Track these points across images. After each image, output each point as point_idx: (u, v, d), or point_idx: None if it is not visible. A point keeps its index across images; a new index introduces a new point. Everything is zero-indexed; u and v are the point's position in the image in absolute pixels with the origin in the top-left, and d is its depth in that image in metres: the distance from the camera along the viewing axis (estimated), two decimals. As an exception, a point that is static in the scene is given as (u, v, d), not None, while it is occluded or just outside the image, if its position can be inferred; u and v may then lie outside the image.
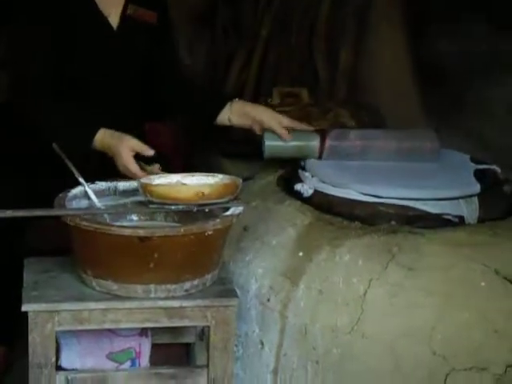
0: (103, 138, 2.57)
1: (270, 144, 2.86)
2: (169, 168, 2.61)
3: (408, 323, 2.30)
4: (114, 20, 2.75)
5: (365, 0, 4.16)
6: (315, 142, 2.85)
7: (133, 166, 2.51)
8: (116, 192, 2.41)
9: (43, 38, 2.58)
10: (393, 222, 2.52)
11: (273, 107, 3.54)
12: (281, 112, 3.16)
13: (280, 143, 2.86)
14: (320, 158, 2.89)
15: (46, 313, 2.12)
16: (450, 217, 2.54)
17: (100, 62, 2.70)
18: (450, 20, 3.54)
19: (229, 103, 2.90)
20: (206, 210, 2.30)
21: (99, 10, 2.71)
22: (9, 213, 2.18)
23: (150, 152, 2.56)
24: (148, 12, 2.84)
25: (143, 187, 2.32)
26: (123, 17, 2.78)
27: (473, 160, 2.82)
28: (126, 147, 2.53)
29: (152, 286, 2.16)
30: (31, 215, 2.24)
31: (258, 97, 3.79)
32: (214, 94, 3.06)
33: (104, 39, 2.74)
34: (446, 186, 2.64)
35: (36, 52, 2.58)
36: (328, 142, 2.84)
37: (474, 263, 2.34)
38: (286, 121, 2.89)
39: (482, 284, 2.30)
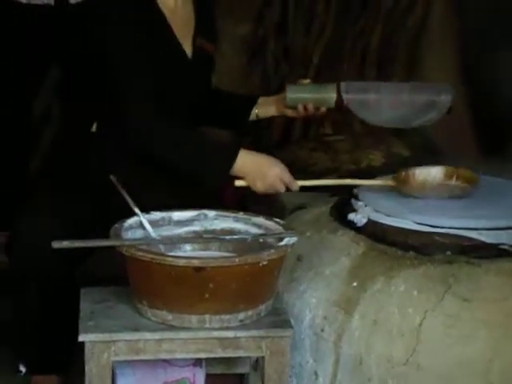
0: (247, 155, 2.63)
1: (293, 95, 2.87)
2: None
3: (464, 355, 2.28)
4: (188, 49, 2.80)
5: (417, 29, 4.16)
6: (333, 94, 2.86)
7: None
8: (171, 222, 2.41)
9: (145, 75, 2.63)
10: (448, 252, 2.50)
11: (325, 136, 3.56)
12: (334, 141, 3.18)
13: (300, 95, 2.88)
14: (339, 108, 2.92)
15: (103, 343, 2.14)
16: (506, 246, 2.51)
17: (177, 87, 2.73)
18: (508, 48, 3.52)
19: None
20: (261, 241, 2.31)
21: (178, 41, 2.76)
22: (66, 243, 2.19)
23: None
24: (209, 44, 2.90)
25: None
26: (194, 47, 2.82)
27: None
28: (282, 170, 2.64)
29: (207, 317, 2.15)
30: (88, 246, 2.26)
31: (310, 126, 3.79)
32: (242, 98, 3.08)
33: (182, 66, 2.79)
34: (501, 216, 2.62)
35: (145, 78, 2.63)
36: (346, 95, 2.85)
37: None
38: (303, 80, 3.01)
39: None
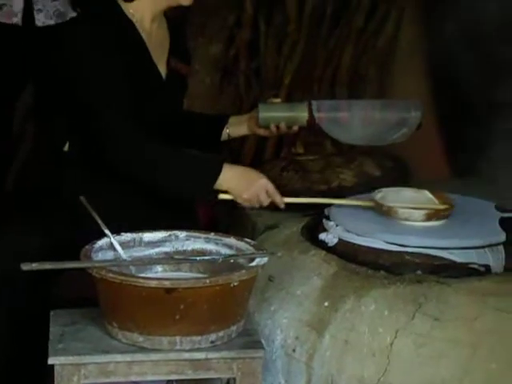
0: (231, 168, 2.65)
1: (264, 114, 2.86)
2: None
3: (435, 374, 2.29)
4: (162, 71, 2.82)
5: (387, 49, 4.19)
6: (304, 113, 2.86)
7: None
8: (141, 243, 2.41)
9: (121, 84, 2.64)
10: (419, 272, 2.52)
11: (297, 156, 3.57)
12: (305, 161, 3.18)
13: (272, 114, 2.88)
14: (310, 127, 2.94)
15: (73, 366, 2.13)
16: (476, 266, 2.54)
17: (152, 107, 2.75)
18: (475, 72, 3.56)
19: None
20: (231, 261, 2.32)
21: (154, 62, 2.78)
22: (35, 265, 2.19)
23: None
24: (183, 65, 2.92)
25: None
26: (168, 68, 2.85)
27: (497, 208, 2.82)
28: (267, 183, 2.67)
29: (177, 338, 2.16)
30: (57, 267, 2.25)
31: (282, 146, 3.80)
32: (214, 117, 3.10)
33: (156, 87, 2.81)
34: (471, 235, 2.63)
35: (121, 97, 2.63)
36: (318, 113, 2.86)
37: (502, 313, 2.34)
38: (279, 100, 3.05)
39: (510, 334, 2.30)
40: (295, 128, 2.91)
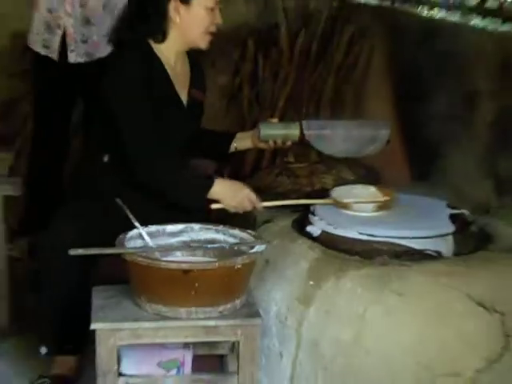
0: (221, 182, 2.68)
1: (265, 131, 2.86)
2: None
3: (398, 338, 2.31)
4: (183, 98, 2.81)
5: (361, 80, 4.20)
6: (296, 131, 2.86)
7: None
8: (164, 233, 2.42)
9: (147, 118, 2.64)
10: (385, 257, 2.52)
11: (288, 164, 3.57)
12: (295, 168, 3.20)
13: (271, 132, 2.87)
14: (301, 142, 2.93)
15: (110, 331, 2.16)
16: (430, 252, 2.55)
17: (175, 128, 2.74)
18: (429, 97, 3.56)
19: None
20: (236, 248, 2.33)
21: (177, 92, 2.78)
22: (81, 251, 2.22)
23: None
24: (200, 92, 2.91)
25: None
26: (189, 97, 2.84)
27: (448, 206, 2.83)
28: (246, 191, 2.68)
29: (193, 309, 2.18)
30: (98, 253, 2.28)
31: (276, 156, 3.80)
32: (223, 134, 3.09)
33: (179, 112, 2.79)
34: (427, 227, 2.63)
35: (145, 125, 2.64)
36: (307, 131, 2.86)
37: (451, 290, 2.34)
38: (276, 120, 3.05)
39: (458, 306, 2.31)
40: (289, 143, 2.91)
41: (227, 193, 2.63)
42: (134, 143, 2.61)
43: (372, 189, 2.89)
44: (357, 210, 2.79)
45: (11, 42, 4.20)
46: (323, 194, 2.89)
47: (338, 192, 2.86)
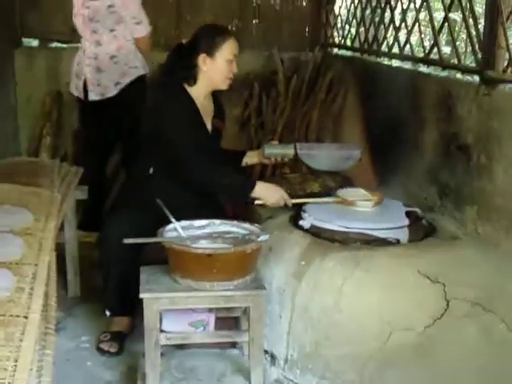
0: (262, 184, 2.70)
1: (268, 151, 2.88)
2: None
3: (366, 303, 2.34)
4: (208, 127, 2.81)
5: (338, 112, 4.19)
6: (292, 151, 2.87)
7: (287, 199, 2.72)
8: (193, 227, 2.42)
9: (192, 137, 2.66)
10: (358, 243, 2.55)
11: (285, 174, 3.57)
12: (290, 177, 3.21)
13: (273, 151, 2.89)
14: (295, 159, 2.96)
15: (153, 299, 2.18)
16: (391, 239, 2.56)
17: (204, 148, 2.72)
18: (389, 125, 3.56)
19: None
20: (247, 238, 2.34)
21: (204, 122, 2.78)
22: (131, 240, 2.26)
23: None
24: (220, 122, 2.90)
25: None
26: (212, 126, 2.83)
27: (404, 205, 2.83)
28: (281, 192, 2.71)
29: (215, 283, 2.19)
30: (145, 242, 2.32)
31: (276, 168, 3.79)
32: (237, 152, 3.07)
33: (205, 137, 2.79)
34: (389, 221, 2.64)
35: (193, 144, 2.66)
36: (300, 151, 2.86)
37: (406, 267, 2.39)
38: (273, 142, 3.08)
39: (410, 279, 2.33)
40: (286, 159, 2.93)
41: (267, 192, 2.64)
42: (192, 157, 2.62)
43: (363, 191, 2.88)
44: (360, 206, 2.80)
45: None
46: (312, 196, 2.90)
47: (342, 193, 2.85)
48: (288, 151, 2.88)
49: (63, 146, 4.08)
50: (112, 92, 3.79)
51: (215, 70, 2.69)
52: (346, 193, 2.88)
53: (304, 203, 2.78)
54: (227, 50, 2.68)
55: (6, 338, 1.47)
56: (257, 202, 2.67)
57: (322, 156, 2.91)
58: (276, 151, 2.89)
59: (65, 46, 4.37)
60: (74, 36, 4.26)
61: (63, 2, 4.21)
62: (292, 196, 2.81)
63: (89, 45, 3.80)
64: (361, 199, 2.82)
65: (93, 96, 3.79)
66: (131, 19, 3.72)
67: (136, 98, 3.70)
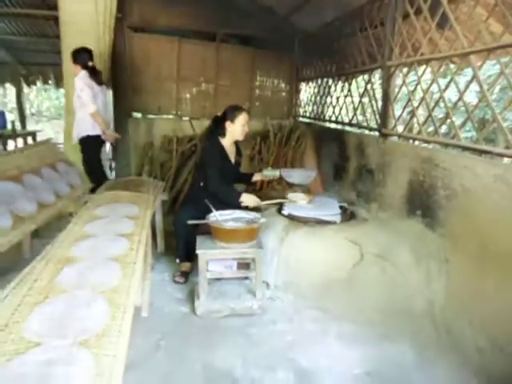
0: (245, 194, 2.57)
1: (265, 173, 2.81)
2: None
3: (315, 255, 2.32)
4: (232, 160, 2.75)
5: (302, 150, 4.17)
6: (278, 173, 2.80)
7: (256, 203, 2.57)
8: (224, 214, 2.36)
9: (217, 168, 2.60)
10: (313, 223, 2.54)
11: (275, 186, 3.55)
12: (278, 188, 3.18)
13: (267, 173, 2.81)
14: (280, 178, 2.87)
15: (204, 253, 2.16)
16: (332, 221, 2.55)
17: (228, 174, 2.68)
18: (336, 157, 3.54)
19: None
20: (253, 220, 2.32)
21: (229, 158, 2.73)
22: (191, 222, 2.25)
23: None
24: (239, 158, 2.83)
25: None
26: (235, 159, 2.78)
27: (338, 201, 2.82)
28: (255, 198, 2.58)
29: (237, 244, 2.18)
30: (200, 223, 2.29)
31: (269, 182, 3.74)
32: (248, 173, 2.94)
33: (230, 167, 2.73)
34: (330, 210, 2.65)
35: (216, 172, 2.59)
36: (282, 173, 2.80)
37: (339, 236, 2.38)
38: (269, 168, 2.93)
39: (341, 242, 2.34)
40: (275, 178, 2.86)
41: (248, 198, 2.55)
42: (212, 179, 2.58)
43: (302, 195, 2.83)
44: (299, 203, 2.77)
45: (164, 137, 4.25)
46: (285, 198, 2.86)
47: (290, 196, 2.82)
48: (276, 173, 2.82)
49: (154, 171, 4.09)
50: (75, 141, 3.46)
51: (235, 130, 2.66)
52: (293, 196, 2.82)
53: (270, 204, 2.71)
54: (241, 119, 2.64)
55: (124, 275, 1.48)
56: (243, 204, 2.56)
57: (294, 176, 2.86)
58: (269, 173, 2.83)
59: (154, 117, 4.39)
60: (159, 112, 4.31)
61: (153, 93, 4.27)
62: (276, 198, 2.80)
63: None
64: (300, 199, 2.77)
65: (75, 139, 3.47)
66: (86, 102, 3.29)
67: (84, 149, 3.43)
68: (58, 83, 6.62)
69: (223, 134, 2.71)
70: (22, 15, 4.80)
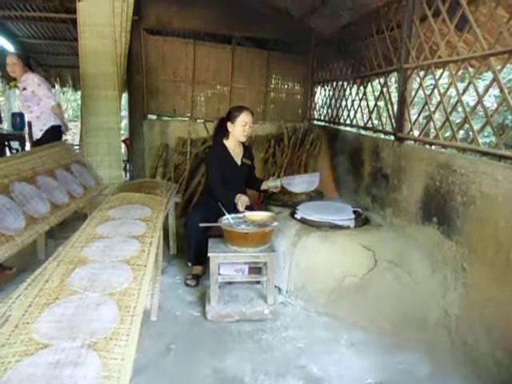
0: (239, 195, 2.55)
1: (268, 184, 2.77)
2: (253, 209, 2.61)
3: (330, 260, 2.30)
4: (238, 162, 2.74)
5: (316, 155, 4.16)
6: (279, 183, 2.75)
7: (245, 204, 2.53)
8: (236, 217, 2.37)
9: (217, 169, 2.61)
10: (327, 227, 2.52)
11: (279, 193, 3.51)
12: (283, 195, 3.10)
13: (269, 184, 2.77)
14: (282, 187, 2.79)
15: (215, 257, 2.16)
16: (346, 226, 2.52)
17: (233, 176, 2.68)
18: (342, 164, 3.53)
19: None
20: (265, 223, 2.30)
21: (235, 160, 2.73)
22: (202, 224, 2.25)
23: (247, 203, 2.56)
24: (248, 160, 2.82)
25: (246, 216, 2.38)
26: (241, 161, 2.77)
27: (352, 207, 2.78)
28: (246, 199, 2.55)
29: (249, 249, 2.18)
30: (212, 225, 2.28)
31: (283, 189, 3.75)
32: (259, 180, 2.89)
33: (235, 168, 2.73)
34: (344, 215, 2.60)
35: (216, 172, 2.60)
36: (283, 182, 2.76)
37: (353, 240, 2.34)
38: (272, 178, 2.85)
39: (355, 247, 2.30)
40: (278, 188, 2.79)
41: (240, 200, 2.51)
42: (211, 179, 2.60)
43: (265, 213, 2.49)
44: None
45: (178, 139, 4.27)
46: (297, 204, 2.83)
47: (248, 214, 2.45)
48: (277, 183, 2.78)
49: (168, 173, 4.10)
50: (38, 135, 3.72)
51: (236, 131, 2.65)
52: (254, 214, 2.50)
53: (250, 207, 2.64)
54: (241, 119, 2.62)
55: (135, 277, 1.48)
56: (238, 205, 2.53)
57: (294, 184, 2.80)
58: (271, 184, 2.78)
59: (169, 118, 4.41)
60: (174, 114, 4.34)
61: (168, 95, 4.29)
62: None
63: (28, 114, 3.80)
64: (263, 218, 2.45)
65: (35, 137, 3.75)
66: (44, 97, 3.69)
67: (51, 139, 3.48)
68: (76, 85, 6.73)
69: (226, 136, 2.71)
70: (41, 19, 4.89)
